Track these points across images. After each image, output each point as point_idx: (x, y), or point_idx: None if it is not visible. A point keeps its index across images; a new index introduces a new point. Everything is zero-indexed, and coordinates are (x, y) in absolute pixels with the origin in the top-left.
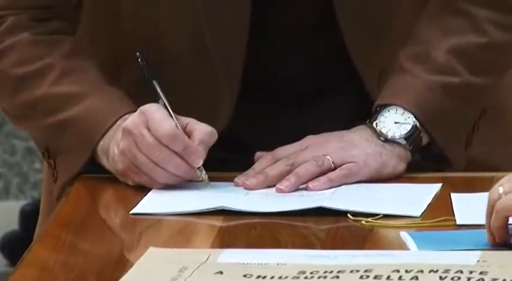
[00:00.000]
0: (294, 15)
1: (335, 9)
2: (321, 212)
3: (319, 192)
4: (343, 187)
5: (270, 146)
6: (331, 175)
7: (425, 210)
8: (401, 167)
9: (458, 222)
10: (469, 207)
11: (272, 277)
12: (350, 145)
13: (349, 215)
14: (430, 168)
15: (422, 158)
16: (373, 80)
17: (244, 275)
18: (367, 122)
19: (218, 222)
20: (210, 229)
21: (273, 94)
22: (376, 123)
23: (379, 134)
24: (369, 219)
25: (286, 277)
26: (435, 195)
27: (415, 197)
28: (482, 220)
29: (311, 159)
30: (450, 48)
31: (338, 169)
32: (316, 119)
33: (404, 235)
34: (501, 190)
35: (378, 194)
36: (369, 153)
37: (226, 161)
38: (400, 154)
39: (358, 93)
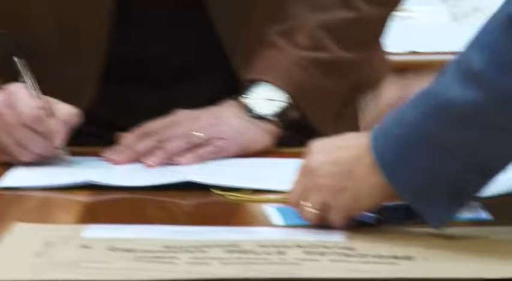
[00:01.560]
0: None
1: None
2: (187, 186)
3: (187, 167)
4: (210, 161)
5: (136, 124)
6: (200, 150)
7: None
8: (270, 142)
9: None
10: None
11: (139, 251)
12: (219, 121)
13: (215, 189)
14: (300, 142)
15: (292, 132)
16: (241, 58)
17: (111, 250)
18: (237, 97)
19: (84, 197)
20: (76, 204)
21: (141, 73)
22: (247, 99)
23: (249, 110)
24: (236, 194)
25: (153, 252)
26: None
27: (281, 171)
28: None
29: (180, 135)
30: (319, 24)
31: (207, 146)
32: (184, 98)
33: (270, 210)
34: (310, 208)
35: (245, 168)
36: (237, 129)
37: (93, 136)
38: (270, 129)
39: (226, 72)
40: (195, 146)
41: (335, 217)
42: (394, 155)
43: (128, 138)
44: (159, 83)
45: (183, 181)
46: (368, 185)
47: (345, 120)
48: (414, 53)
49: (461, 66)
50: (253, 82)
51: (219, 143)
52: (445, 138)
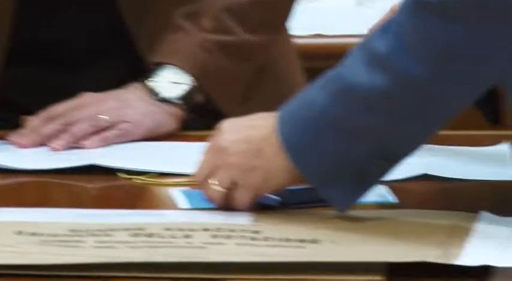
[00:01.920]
0: None
1: None
2: (93, 170)
3: (92, 150)
4: (116, 145)
5: (42, 107)
6: (106, 134)
7: None
8: (176, 125)
9: None
10: None
11: (44, 235)
12: (124, 104)
13: (121, 173)
14: (205, 125)
15: (198, 115)
16: (146, 42)
17: (17, 234)
18: (143, 80)
19: None
20: None
21: (46, 56)
22: (152, 82)
23: (154, 93)
24: (142, 177)
25: (59, 235)
26: None
27: (187, 155)
28: None
29: (86, 118)
30: (225, 6)
31: (112, 129)
32: (91, 81)
33: (176, 193)
34: (217, 187)
35: (150, 152)
36: (143, 112)
37: None
38: (175, 113)
39: (133, 55)
40: (100, 129)
41: (242, 196)
42: (300, 138)
43: (33, 122)
44: (65, 66)
45: (89, 164)
46: (276, 166)
47: (251, 103)
48: (319, 36)
49: (367, 50)
50: (158, 65)
51: (124, 126)
52: (351, 122)
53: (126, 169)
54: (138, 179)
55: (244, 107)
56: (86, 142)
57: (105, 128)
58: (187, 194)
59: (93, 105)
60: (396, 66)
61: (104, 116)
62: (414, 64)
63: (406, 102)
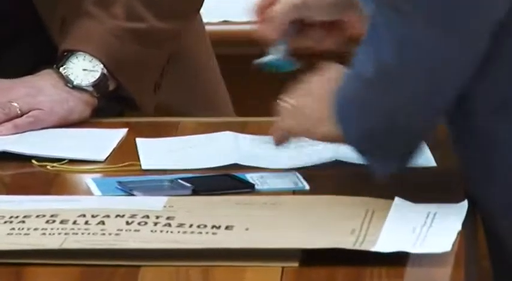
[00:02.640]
0: None
1: None
2: (5, 157)
3: (4, 137)
4: (29, 132)
5: None
6: (17, 121)
7: (110, 155)
8: (88, 113)
9: (143, 167)
10: (155, 152)
11: None
12: (37, 91)
13: (34, 160)
14: (117, 112)
15: (109, 101)
16: (56, 27)
17: None
18: (54, 67)
19: None
20: None
21: None
22: (64, 69)
23: (66, 81)
24: (55, 164)
25: None
26: (120, 140)
27: (99, 142)
28: (166, 165)
29: None
30: None
31: (24, 116)
32: (1, 68)
33: (89, 180)
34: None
35: (63, 139)
36: (55, 99)
37: None
38: (87, 100)
39: (43, 41)
40: (12, 116)
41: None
42: (340, 103)
43: None
44: None
45: (1, 151)
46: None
47: (165, 90)
48: (226, 22)
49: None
50: (70, 52)
51: (37, 113)
52: (369, 102)
53: (39, 155)
54: (51, 166)
55: (155, 94)
56: None
57: (17, 116)
58: (99, 182)
59: (4, 92)
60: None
61: (15, 104)
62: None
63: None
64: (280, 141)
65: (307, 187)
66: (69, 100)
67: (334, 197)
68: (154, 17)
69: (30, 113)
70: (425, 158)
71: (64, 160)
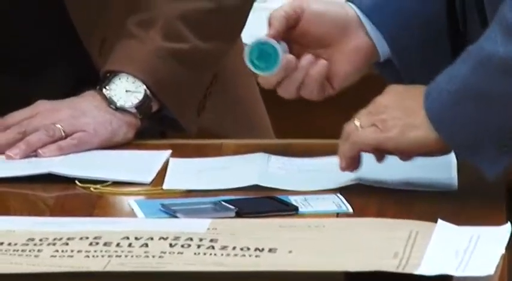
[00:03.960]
0: None
1: None
2: (49, 178)
3: (49, 158)
4: (73, 154)
5: None
6: (61, 143)
7: (155, 177)
8: (131, 134)
9: (163, 187)
10: (182, 173)
11: (1, 244)
12: (80, 113)
13: (77, 181)
14: (159, 132)
15: (153, 123)
16: (96, 48)
17: None
18: (97, 88)
19: None
20: None
21: (6, 64)
22: (107, 90)
23: (109, 102)
24: (98, 186)
25: (16, 244)
26: (165, 162)
27: (144, 164)
28: (187, 186)
29: (42, 128)
30: (179, 14)
31: (69, 138)
32: (41, 88)
33: (132, 202)
34: (357, 122)
35: (108, 160)
36: (99, 121)
37: None
38: (130, 121)
39: (83, 63)
40: (55, 138)
41: (370, 136)
42: (443, 110)
43: None
44: (17, 71)
45: (46, 173)
46: (415, 135)
47: (207, 111)
48: None
49: (502, 21)
50: (113, 73)
51: (80, 135)
52: (490, 92)
53: (83, 177)
54: (94, 188)
55: (200, 116)
56: (43, 150)
57: (61, 138)
58: (142, 204)
59: (48, 114)
60: None
61: (59, 126)
62: None
63: None
64: (353, 160)
65: (350, 209)
66: (113, 122)
67: (377, 219)
68: (197, 37)
69: (74, 135)
70: (469, 180)
71: (108, 181)
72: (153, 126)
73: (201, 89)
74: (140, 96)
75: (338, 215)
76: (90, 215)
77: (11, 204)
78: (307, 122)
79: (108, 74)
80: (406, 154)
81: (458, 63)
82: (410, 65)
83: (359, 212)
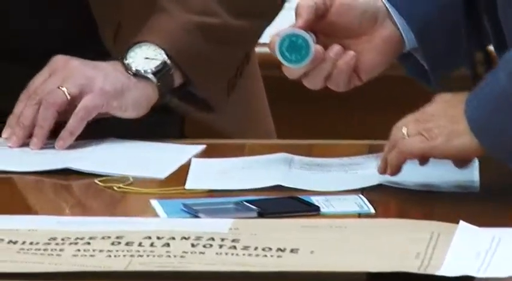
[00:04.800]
0: None
1: None
2: (71, 175)
3: (66, 151)
4: (94, 146)
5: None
6: (69, 126)
7: (174, 176)
8: (145, 103)
9: (186, 187)
10: (204, 173)
11: (23, 243)
12: (92, 67)
13: (98, 181)
14: (179, 131)
15: (181, 100)
16: (110, 33)
17: None
18: (119, 58)
19: None
20: None
21: (16, 53)
22: (126, 57)
23: (127, 68)
24: (121, 185)
25: (38, 243)
26: (187, 160)
27: (166, 159)
28: (209, 186)
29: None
30: None
31: (73, 115)
32: None
33: (154, 202)
34: (404, 131)
35: (131, 154)
36: (110, 80)
37: None
38: (146, 88)
39: (97, 53)
40: (60, 103)
41: (416, 144)
42: (484, 118)
43: (18, 107)
44: (36, 62)
45: (66, 168)
46: (458, 143)
47: (238, 91)
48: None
49: None
50: (135, 44)
51: (85, 102)
52: None
53: (101, 173)
54: (117, 187)
55: (230, 95)
56: (58, 144)
57: (65, 102)
58: (164, 204)
59: (60, 73)
60: None
61: (64, 89)
62: None
63: None
64: (398, 168)
65: (372, 210)
66: (124, 84)
67: (399, 220)
68: (230, 14)
69: (76, 109)
70: (491, 181)
71: (129, 180)
72: (181, 106)
73: (231, 66)
74: (158, 62)
75: (360, 215)
76: (112, 214)
77: (32, 203)
78: (309, 122)
79: (131, 45)
80: (451, 160)
81: (496, 71)
82: (437, 55)
83: (381, 213)
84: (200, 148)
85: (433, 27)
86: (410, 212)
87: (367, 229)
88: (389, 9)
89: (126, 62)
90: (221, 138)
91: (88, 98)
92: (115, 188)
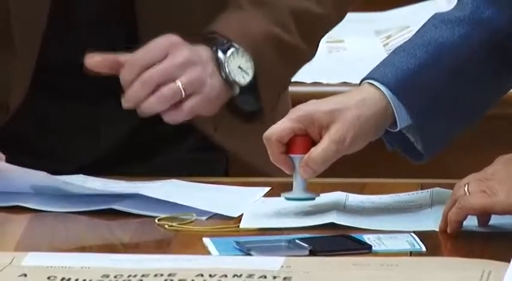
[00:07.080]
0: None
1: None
2: (126, 216)
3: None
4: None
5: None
6: (185, 107)
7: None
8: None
9: (241, 226)
10: (261, 211)
11: (76, 280)
12: (206, 76)
13: (156, 220)
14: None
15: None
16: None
17: (48, 278)
18: (213, 49)
19: (23, 223)
20: (15, 230)
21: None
22: (223, 61)
23: (223, 71)
24: (174, 224)
25: (91, 280)
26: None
27: (234, 198)
28: (263, 224)
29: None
30: (291, 8)
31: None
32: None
33: (206, 240)
34: (466, 188)
35: (202, 193)
36: (214, 91)
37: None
38: (227, 96)
39: (130, 21)
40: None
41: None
42: None
43: (125, 76)
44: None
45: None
46: None
47: (247, 151)
48: (346, 84)
49: None
50: (228, 41)
51: (195, 101)
52: None
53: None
54: (170, 226)
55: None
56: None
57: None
58: (216, 242)
59: (175, 67)
60: None
61: (179, 84)
62: None
63: None
64: (459, 224)
65: (423, 248)
66: (218, 92)
67: (450, 258)
68: (301, 36)
69: (184, 106)
70: None
71: (191, 218)
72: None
73: (286, 85)
74: (248, 79)
75: (411, 254)
76: (165, 252)
77: (86, 241)
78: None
79: (225, 41)
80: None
81: None
82: (434, 139)
83: (432, 251)
84: (266, 189)
85: (433, 116)
86: (462, 250)
87: (418, 268)
88: (388, 96)
89: (227, 70)
90: (262, 176)
91: (196, 103)
92: (167, 226)
